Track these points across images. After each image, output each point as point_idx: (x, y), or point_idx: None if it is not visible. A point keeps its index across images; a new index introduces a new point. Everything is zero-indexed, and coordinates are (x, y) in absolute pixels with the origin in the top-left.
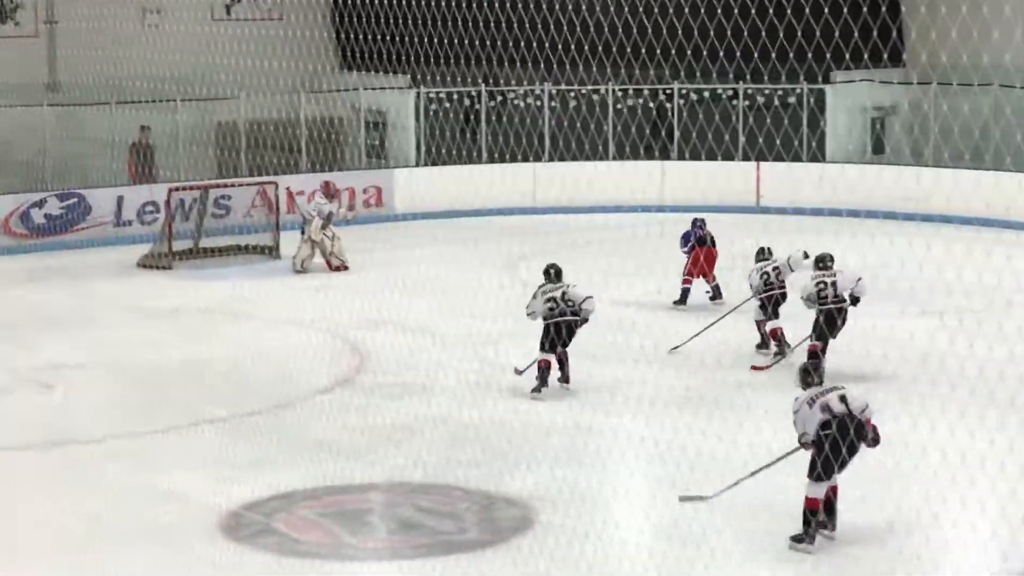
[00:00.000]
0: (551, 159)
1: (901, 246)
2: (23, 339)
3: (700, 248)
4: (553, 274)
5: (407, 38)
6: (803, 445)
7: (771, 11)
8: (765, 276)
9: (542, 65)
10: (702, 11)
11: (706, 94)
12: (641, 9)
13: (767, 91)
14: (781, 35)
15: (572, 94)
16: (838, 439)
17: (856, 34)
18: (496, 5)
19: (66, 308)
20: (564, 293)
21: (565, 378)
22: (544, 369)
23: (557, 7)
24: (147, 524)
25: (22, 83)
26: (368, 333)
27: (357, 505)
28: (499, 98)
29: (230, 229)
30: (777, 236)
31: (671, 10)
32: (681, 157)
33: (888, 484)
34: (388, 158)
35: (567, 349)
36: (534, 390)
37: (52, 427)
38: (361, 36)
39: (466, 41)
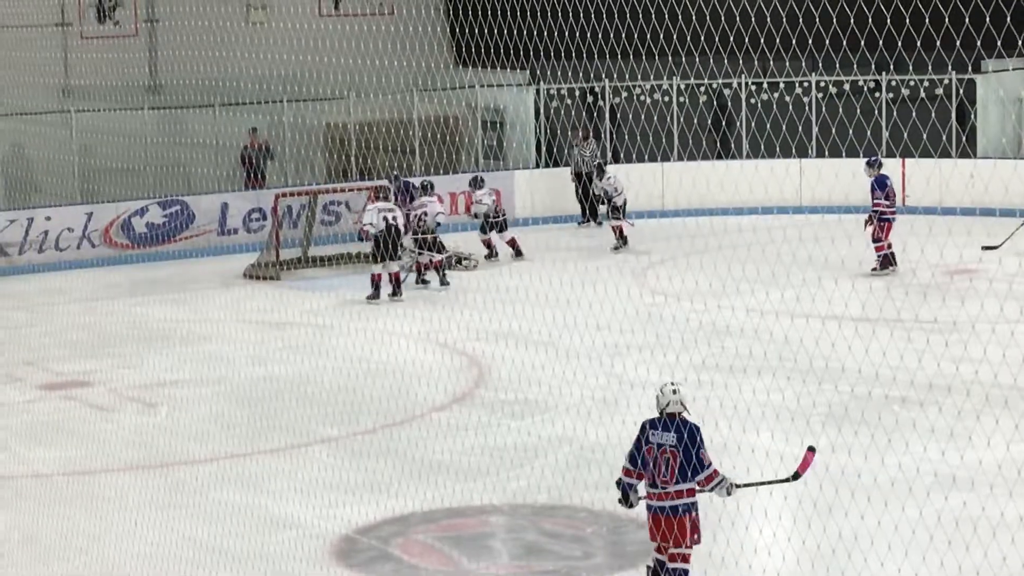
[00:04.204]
0: (680, 158)
1: None
2: (125, 355)
3: None
4: (382, 194)
5: (525, 31)
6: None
7: None
8: None
9: (669, 58)
10: None
11: (846, 86)
12: None
13: (912, 82)
14: (927, 21)
15: (701, 89)
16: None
17: (1008, 18)
18: None
19: (169, 322)
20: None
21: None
22: (377, 282)
23: None
24: (256, 550)
25: (122, 85)
26: (487, 346)
27: (477, 529)
28: (623, 94)
29: (340, 237)
30: (925, 238)
31: None
32: (820, 154)
33: None
34: (507, 159)
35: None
36: (369, 297)
37: (156, 448)
38: (477, 30)
39: (588, 34)
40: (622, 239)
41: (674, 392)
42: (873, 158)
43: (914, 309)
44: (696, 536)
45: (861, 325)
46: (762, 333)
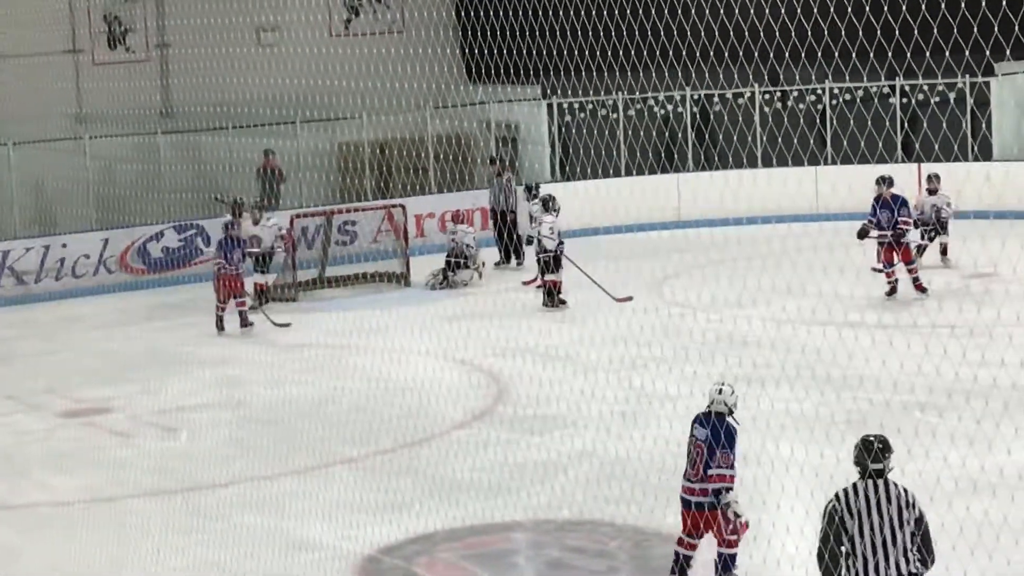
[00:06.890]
0: (694, 169)
1: None
2: (144, 381)
3: None
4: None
5: (535, 48)
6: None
7: (924, 1)
8: None
9: (679, 71)
10: (849, 5)
11: (859, 93)
12: (783, 6)
13: (925, 88)
14: (936, 27)
15: (714, 99)
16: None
17: (1018, 21)
18: (628, 11)
19: (187, 346)
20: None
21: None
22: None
23: (693, 10)
24: (280, 573)
25: (135, 111)
26: (506, 362)
27: (501, 545)
28: (637, 106)
29: (356, 256)
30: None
31: (815, 5)
32: (835, 161)
33: None
34: (521, 175)
35: None
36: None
37: (177, 473)
38: (486, 49)
39: (597, 48)
40: (551, 297)
41: (719, 392)
42: (881, 175)
43: (931, 315)
44: (732, 525)
45: (879, 333)
46: (780, 343)
